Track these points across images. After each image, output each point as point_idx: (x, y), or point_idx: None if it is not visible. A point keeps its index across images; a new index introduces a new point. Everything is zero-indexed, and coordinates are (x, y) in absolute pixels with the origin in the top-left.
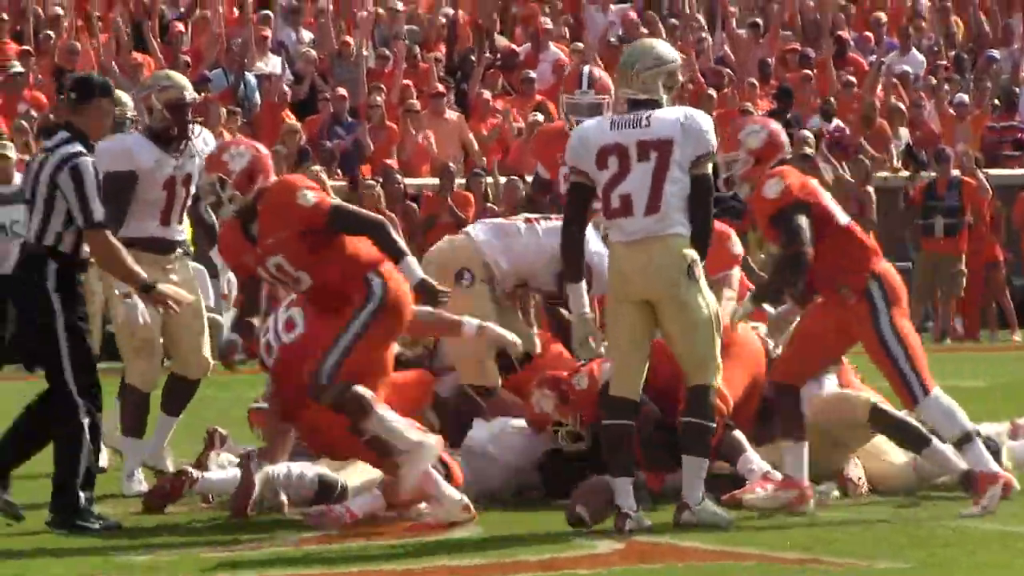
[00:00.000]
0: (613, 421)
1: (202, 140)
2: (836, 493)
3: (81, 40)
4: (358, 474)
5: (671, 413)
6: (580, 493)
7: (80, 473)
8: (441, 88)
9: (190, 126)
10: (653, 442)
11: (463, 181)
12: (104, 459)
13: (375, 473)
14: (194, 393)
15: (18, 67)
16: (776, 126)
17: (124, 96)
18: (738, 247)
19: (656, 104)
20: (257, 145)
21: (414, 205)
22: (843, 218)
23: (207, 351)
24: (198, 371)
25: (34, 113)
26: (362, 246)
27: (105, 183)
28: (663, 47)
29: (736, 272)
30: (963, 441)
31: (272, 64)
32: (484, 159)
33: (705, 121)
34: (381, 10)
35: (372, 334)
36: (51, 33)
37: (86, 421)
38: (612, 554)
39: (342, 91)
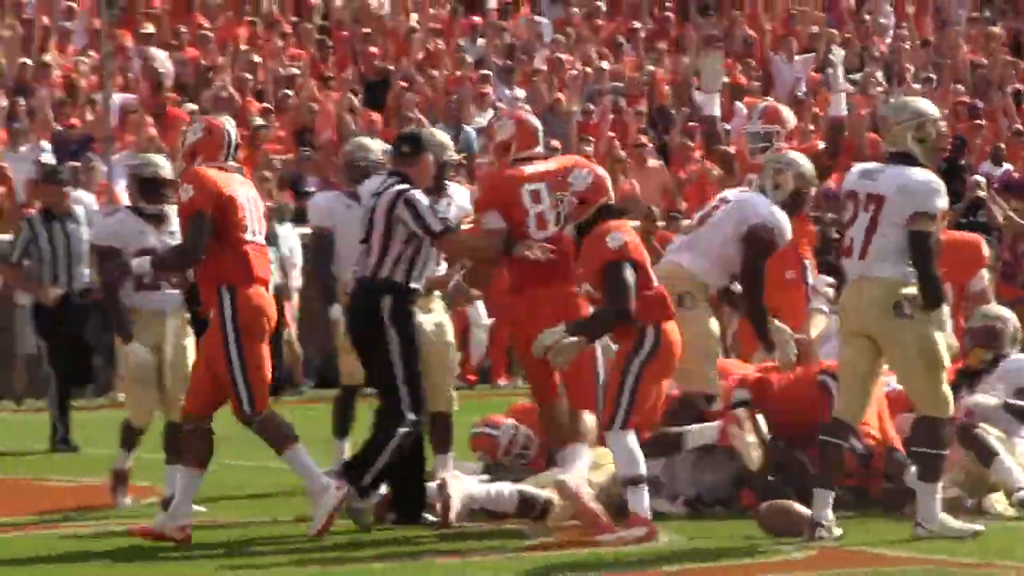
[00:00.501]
0: (828, 439)
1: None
2: (1004, 505)
3: (317, 99)
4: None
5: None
6: (769, 509)
7: (377, 467)
8: (644, 139)
9: (446, 182)
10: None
11: (664, 223)
12: None
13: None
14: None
15: (260, 121)
16: (601, 171)
17: (374, 144)
18: (987, 249)
19: (905, 156)
20: (218, 127)
21: None
22: (655, 280)
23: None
24: (446, 405)
25: (277, 164)
26: (225, 259)
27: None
28: (920, 103)
29: (984, 273)
30: (630, 483)
31: (489, 118)
32: (684, 203)
33: (928, 182)
34: (588, 69)
35: (248, 349)
36: (288, 92)
37: (404, 430)
38: (806, 560)
39: (555, 143)
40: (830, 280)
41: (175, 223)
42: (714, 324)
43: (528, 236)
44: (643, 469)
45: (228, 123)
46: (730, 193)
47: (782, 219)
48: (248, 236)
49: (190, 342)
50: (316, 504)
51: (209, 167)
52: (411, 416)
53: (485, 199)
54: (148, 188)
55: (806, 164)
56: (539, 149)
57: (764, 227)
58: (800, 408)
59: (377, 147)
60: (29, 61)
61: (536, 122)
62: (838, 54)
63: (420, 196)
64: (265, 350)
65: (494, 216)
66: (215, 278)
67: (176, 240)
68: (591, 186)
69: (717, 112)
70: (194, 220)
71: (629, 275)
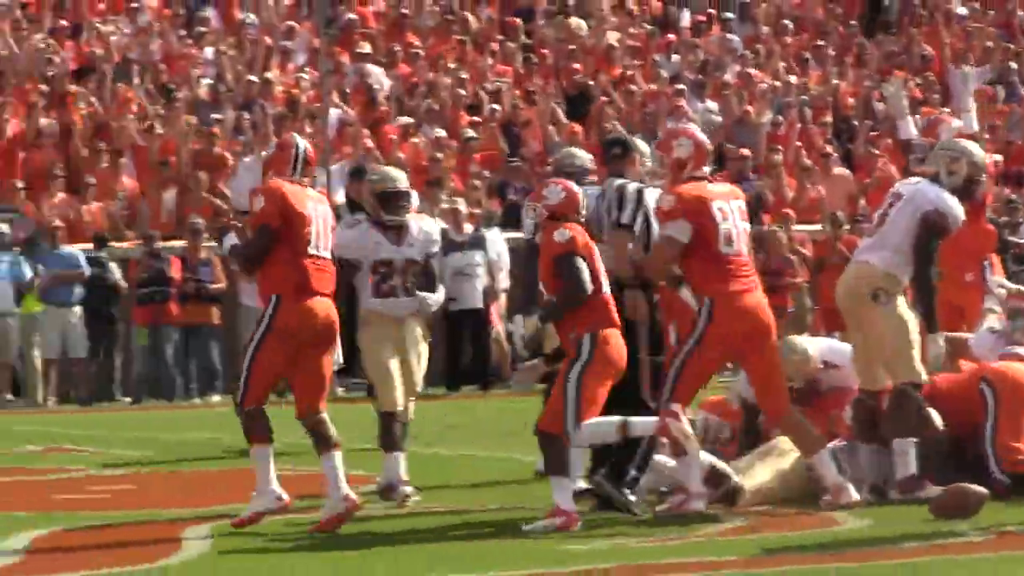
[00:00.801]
0: None
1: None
2: None
3: (523, 111)
4: (756, 476)
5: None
6: (943, 496)
7: (638, 455)
8: (829, 148)
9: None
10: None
11: (849, 228)
12: None
13: (766, 477)
14: None
15: (470, 133)
16: (575, 188)
17: (581, 152)
18: None
19: None
20: (288, 143)
21: (805, 252)
22: (606, 288)
23: None
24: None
25: (486, 173)
26: (285, 269)
27: None
28: None
29: None
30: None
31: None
32: (868, 208)
33: None
34: (777, 82)
35: (268, 348)
36: (496, 106)
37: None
38: (984, 543)
39: (745, 151)
40: (1002, 280)
41: (414, 232)
42: (909, 313)
43: (717, 249)
44: (616, 431)
45: (299, 140)
46: (901, 187)
47: (953, 204)
48: (311, 249)
49: (424, 349)
50: (253, 501)
51: (284, 181)
52: (653, 404)
53: (679, 208)
54: (387, 201)
55: (978, 152)
56: (707, 169)
57: (937, 212)
58: (964, 408)
59: (585, 155)
60: (254, 78)
61: (709, 143)
62: (896, 84)
63: (632, 189)
64: (302, 356)
65: (681, 225)
66: (272, 285)
67: (414, 251)
68: (563, 201)
69: (914, 133)
70: (260, 231)
71: (579, 265)
